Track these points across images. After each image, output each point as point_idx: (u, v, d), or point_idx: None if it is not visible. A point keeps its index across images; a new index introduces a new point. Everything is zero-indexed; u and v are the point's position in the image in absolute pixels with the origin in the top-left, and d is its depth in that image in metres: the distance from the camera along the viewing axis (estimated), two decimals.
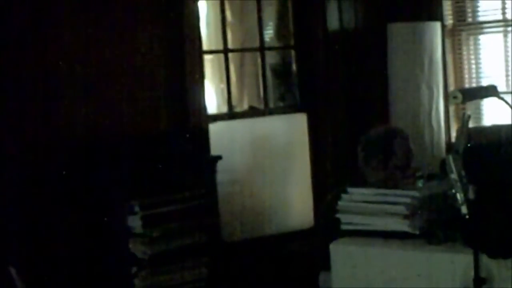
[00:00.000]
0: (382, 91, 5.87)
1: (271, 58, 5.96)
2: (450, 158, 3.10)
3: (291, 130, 5.96)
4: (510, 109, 3.32)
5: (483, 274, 3.15)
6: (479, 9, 6.08)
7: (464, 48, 6.14)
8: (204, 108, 5.34)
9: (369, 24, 6.05)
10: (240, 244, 5.56)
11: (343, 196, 3.78)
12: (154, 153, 4.79)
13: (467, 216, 3.07)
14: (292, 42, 6.03)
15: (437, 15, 5.97)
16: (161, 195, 4.68)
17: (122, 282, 4.68)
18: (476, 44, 6.13)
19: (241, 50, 5.85)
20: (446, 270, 3.33)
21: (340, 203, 3.77)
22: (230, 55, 5.70)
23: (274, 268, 5.50)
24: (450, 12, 6.13)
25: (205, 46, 5.45)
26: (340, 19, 5.98)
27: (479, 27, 6.11)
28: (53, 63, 4.75)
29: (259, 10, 5.82)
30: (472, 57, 6.12)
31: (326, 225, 4.03)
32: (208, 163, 5.04)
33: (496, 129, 5.11)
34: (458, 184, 3.08)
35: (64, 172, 4.72)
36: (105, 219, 4.71)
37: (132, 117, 5.02)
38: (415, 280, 3.42)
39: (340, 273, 3.65)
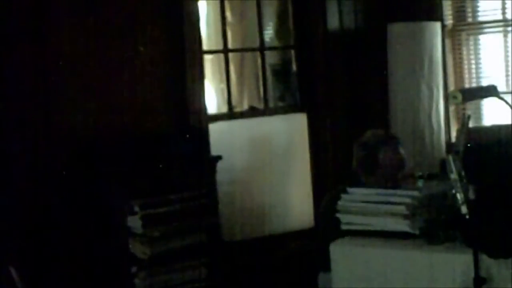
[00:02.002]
0: (382, 91, 5.87)
1: (271, 58, 5.96)
2: (450, 158, 3.11)
3: (291, 130, 5.96)
4: (510, 109, 3.32)
5: (483, 274, 3.15)
6: (479, 9, 6.08)
7: (464, 48, 6.14)
8: (204, 108, 5.34)
9: (369, 24, 6.05)
10: (240, 244, 5.56)
11: (343, 196, 3.78)
12: (154, 153, 4.79)
13: (467, 216, 3.08)
14: (292, 42, 6.03)
15: (437, 15, 5.97)
16: (161, 195, 4.68)
17: (122, 282, 4.68)
18: (476, 44, 6.13)
19: (241, 50, 5.85)
20: (446, 270, 3.33)
21: (340, 203, 3.77)
22: (230, 55, 5.70)
23: (274, 268, 5.50)
24: (450, 12, 6.12)
25: (205, 46, 5.45)
26: (340, 19, 5.98)
27: (479, 27, 6.11)
28: (53, 63, 4.75)
29: (259, 10, 5.82)
30: (472, 57, 6.12)
31: (326, 226, 4.03)
32: (208, 163, 5.04)
33: (496, 129, 5.11)
34: (458, 184, 3.08)
35: (64, 172, 4.72)
36: (105, 219, 4.71)
37: (132, 117, 5.02)
38: (415, 280, 3.42)
39: (340, 273, 3.65)
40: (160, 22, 5.14)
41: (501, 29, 5.98)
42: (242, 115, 5.75)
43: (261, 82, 5.87)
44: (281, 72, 6.03)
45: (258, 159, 5.77)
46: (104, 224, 4.72)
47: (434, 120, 5.77)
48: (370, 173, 4.09)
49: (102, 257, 4.73)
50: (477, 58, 6.11)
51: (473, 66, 6.11)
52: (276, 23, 6.05)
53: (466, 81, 6.13)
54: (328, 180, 5.84)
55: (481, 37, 6.12)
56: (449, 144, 5.84)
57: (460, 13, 6.13)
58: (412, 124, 5.67)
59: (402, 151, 4.15)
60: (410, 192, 3.64)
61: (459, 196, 3.08)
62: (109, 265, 4.73)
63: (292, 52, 6.04)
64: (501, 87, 5.70)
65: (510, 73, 5.90)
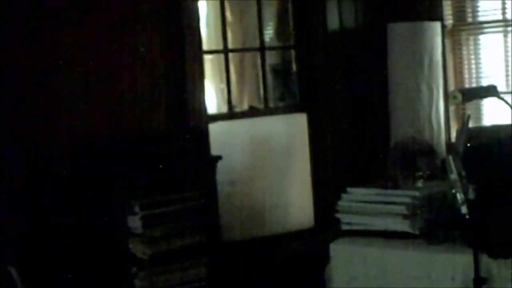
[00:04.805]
0: (382, 91, 5.87)
1: (271, 58, 5.96)
2: (450, 158, 3.11)
3: (291, 130, 5.96)
4: (510, 109, 3.32)
5: (483, 274, 3.15)
6: (479, 9, 6.08)
7: (464, 48, 6.14)
8: (204, 108, 5.34)
9: (369, 24, 6.05)
10: (240, 244, 5.56)
11: (343, 196, 3.78)
12: (154, 153, 4.79)
13: (467, 216, 3.08)
14: (292, 42, 6.03)
15: (437, 15, 5.97)
16: (161, 195, 4.68)
17: (122, 282, 4.68)
18: (476, 44, 6.13)
19: (241, 50, 5.85)
20: (446, 270, 3.33)
21: (340, 203, 3.78)
22: (230, 55, 5.70)
23: (274, 268, 5.50)
24: (450, 12, 6.12)
25: (205, 46, 5.44)
26: (340, 19, 5.98)
27: (479, 27, 6.11)
28: (53, 63, 4.75)
29: (259, 10, 5.82)
30: (472, 57, 6.12)
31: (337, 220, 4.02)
32: (208, 163, 5.04)
33: (496, 129, 5.11)
34: (458, 184, 3.08)
35: (64, 172, 4.72)
36: (105, 219, 4.71)
37: (132, 117, 5.02)
38: (415, 280, 3.42)
39: (340, 273, 3.65)
40: (160, 22, 5.14)
41: (501, 29, 5.98)
42: (242, 115, 5.75)
43: (261, 82, 5.87)
44: (281, 72, 6.03)
45: (258, 159, 5.77)
46: (104, 224, 4.72)
47: (434, 120, 5.77)
48: (405, 176, 4.08)
49: (102, 257, 4.73)
50: (477, 58, 6.10)
51: (473, 66, 6.11)
52: (276, 23, 6.05)
53: (466, 81, 6.13)
54: (328, 180, 5.84)
55: (481, 37, 6.12)
56: (449, 144, 5.84)
57: (460, 13, 6.12)
58: (412, 124, 5.67)
59: (438, 163, 4.18)
60: (410, 192, 3.64)
61: (459, 196, 3.08)
62: (109, 265, 4.73)
63: (292, 52, 6.04)
64: (501, 87, 5.70)
65: (510, 73, 5.90)
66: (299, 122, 5.97)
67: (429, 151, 4.26)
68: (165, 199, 4.69)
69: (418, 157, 4.12)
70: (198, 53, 5.33)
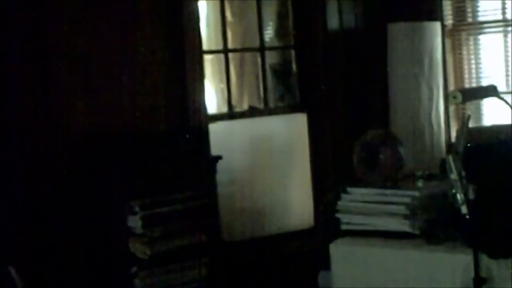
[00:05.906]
0: (382, 91, 5.87)
1: (271, 58, 5.96)
2: (450, 158, 3.11)
3: (291, 130, 5.96)
4: (510, 109, 3.33)
5: (483, 274, 3.15)
6: (479, 9, 6.08)
7: (464, 48, 6.14)
8: (204, 108, 5.34)
9: (369, 24, 6.05)
10: (240, 244, 5.56)
11: (343, 196, 3.78)
12: (154, 153, 4.79)
13: (467, 216, 3.07)
14: (292, 42, 6.03)
15: (437, 15, 5.97)
16: (161, 195, 4.68)
17: (122, 282, 4.68)
18: (476, 44, 6.13)
19: (241, 50, 5.85)
20: (446, 270, 3.33)
21: (340, 203, 3.78)
22: (230, 55, 5.70)
23: (274, 268, 5.50)
24: (450, 12, 6.13)
25: (205, 46, 5.45)
26: (340, 19, 5.98)
27: (479, 27, 6.11)
28: (53, 62, 4.75)
29: (259, 10, 5.82)
30: (472, 57, 6.12)
31: (327, 225, 4.03)
32: (208, 163, 5.04)
33: (496, 129, 5.11)
34: (458, 184, 3.08)
35: (64, 172, 4.72)
36: (105, 219, 4.71)
37: (132, 117, 5.02)
38: (415, 280, 3.42)
39: (340, 273, 3.65)
40: (160, 22, 5.14)
41: (501, 29, 5.98)
42: (242, 115, 5.75)
43: (261, 82, 5.87)
44: (281, 72, 6.03)
45: (258, 159, 5.77)
46: (104, 224, 4.72)
47: (434, 120, 5.78)
48: (370, 172, 4.09)
49: (102, 257, 4.73)
50: (477, 58, 6.11)
51: (473, 66, 6.11)
52: (276, 23, 6.05)
53: (466, 81, 6.14)
54: (328, 180, 5.84)
55: (481, 37, 6.12)
56: (449, 144, 5.84)
57: (460, 13, 6.13)
58: (412, 124, 5.67)
59: (401, 151, 4.14)
60: (410, 192, 3.64)
61: (459, 196, 3.08)
62: (109, 265, 4.73)
63: (292, 52, 6.04)
64: (501, 87, 5.70)
65: (510, 73, 5.90)
66: (299, 122, 5.97)
67: (391, 139, 4.21)
68: (165, 199, 4.69)
69: (381, 148, 4.09)
70: (198, 53, 5.33)
